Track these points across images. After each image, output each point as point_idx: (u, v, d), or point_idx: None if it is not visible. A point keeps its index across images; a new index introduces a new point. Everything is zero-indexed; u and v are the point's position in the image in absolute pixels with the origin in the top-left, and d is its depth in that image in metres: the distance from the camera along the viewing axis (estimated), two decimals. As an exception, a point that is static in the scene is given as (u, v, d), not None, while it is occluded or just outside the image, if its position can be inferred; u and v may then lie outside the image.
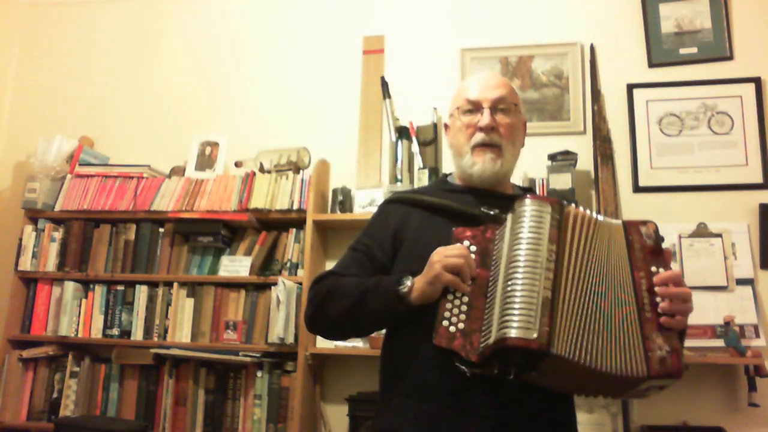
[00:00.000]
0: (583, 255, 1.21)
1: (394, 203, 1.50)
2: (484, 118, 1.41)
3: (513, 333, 1.10)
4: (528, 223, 1.20)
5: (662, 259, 1.25)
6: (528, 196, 1.25)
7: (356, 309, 1.33)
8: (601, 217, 1.27)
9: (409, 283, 1.28)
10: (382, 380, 1.40)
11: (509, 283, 1.16)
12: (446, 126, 1.54)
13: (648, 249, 1.25)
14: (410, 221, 1.42)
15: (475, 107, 1.43)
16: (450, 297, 1.24)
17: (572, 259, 1.20)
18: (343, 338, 1.52)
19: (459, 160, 1.46)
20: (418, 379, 1.29)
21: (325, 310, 1.39)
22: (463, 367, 1.19)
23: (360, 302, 1.32)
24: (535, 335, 1.09)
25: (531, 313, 1.11)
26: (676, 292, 1.20)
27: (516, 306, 1.12)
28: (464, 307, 1.22)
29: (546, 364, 1.13)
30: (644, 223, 1.28)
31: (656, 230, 1.27)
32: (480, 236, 1.28)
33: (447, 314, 1.23)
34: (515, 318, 1.11)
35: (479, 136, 1.41)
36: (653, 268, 1.23)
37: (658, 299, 1.20)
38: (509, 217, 1.25)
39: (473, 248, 1.27)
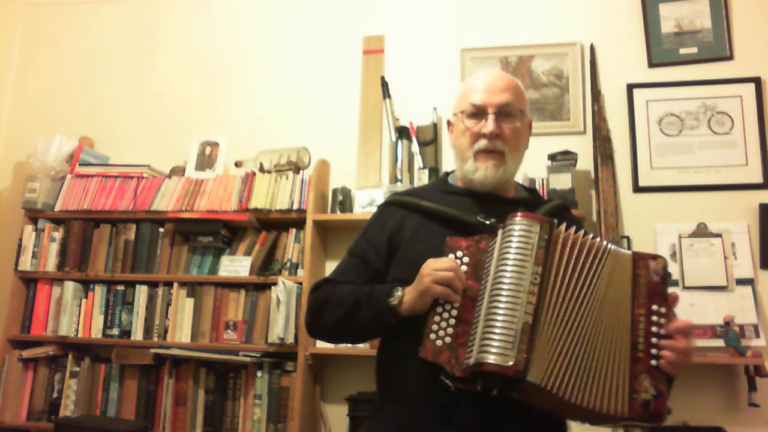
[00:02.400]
0: (573, 279, 1.18)
1: (392, 206, 1.49)
2: (489, 125, 1.38)
3: (490, 359, 1.10)
4: (516, 243, 1.18)
5: (665, 299, 1.22)
6: (519, 213, 1.22)
7: (350, 318, 1.34)
8: (611, 246, 1.23)
9: (399, 293, 1.27)
10: (376, 387, 1.41)
11: (492, 304, 1.15)
12: (449, 123, 1.51)
13: (653, 286, 1.22)
14: (406, 226, 1.41)
15: (480, 111, 1.40)
16: (439, 309, 1.23)
17: (560, 283, 1.18)
18: (342, 343, 1.53)
19: (461, 164, 1.44)
20: (406, 389, 1.30)
21: (322, 317, 1.40)
22: (448, 382, 1.18)
23: (353, 312, 1.33)
24: (511, 362, 1.09)
25: (509, 338, 1.11)
26: (683, 347, 1.18)
27: (495, 330, 1.12)
28: (452, 321, 1.21)
29: (525, 387, 1.13)
30: (654, 257, 1.24)
31: (665, 266, 1.24)
32: (474, 247, 1.26)
33: (435, 327, 1.22)
34: (494, 343, 1.11)
35: (482, 143, 1.39)
36: (654, 307, 1.21)
37: (653, 340, 1.18)
38: (500, 232, 1.23)
39: (466, 259, 1.25)
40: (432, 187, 1.57)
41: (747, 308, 2.46)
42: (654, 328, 1.19)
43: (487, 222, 1.29)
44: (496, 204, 1.39)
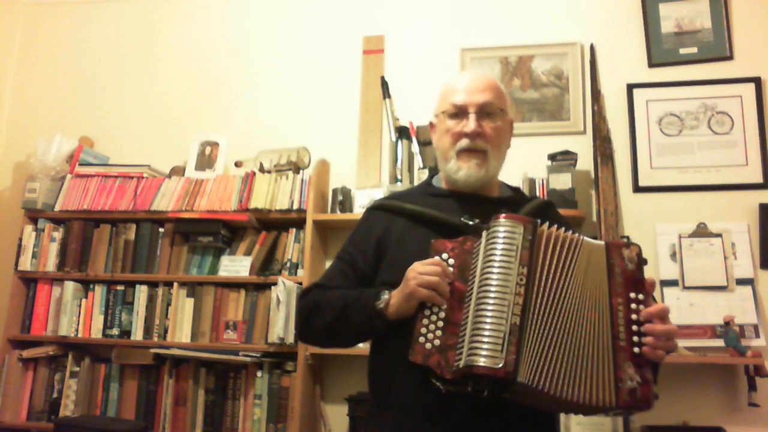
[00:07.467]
0: (556, 277, 1.19)
1: (378, 210, 1.50)
2: (470, 124, 1.39)
3: (480, 361, 1.10)
4: (500, 245, 1.18)
5: (642, 286, 1.22)
6: (502, 215, 1.22)
7: (338, 323, 1.35)
8: (583, 237, 1.24)
9: (386, 297, 1.28)
10: (369, 392, 1.43)
11: (479, 307, 1.15)
12: (431, 125, 1.52)
13: (629, 274, 1.22)
14: (393, 230, 1.42)
15: (461, 112, 1.41)
16: (426, 312, 1.23)
17: (544, 281, 1.18)
18: (333, 347, 1.54)
19: (444, 164, 1.45)
20: (398, 392, 1.31)
21: (311, 323, 1.41)
22: (438, 384, 1.19)
23: (341, 316, 1.34)
24: (500, 364, 1.09)
25: (498, 340, 1.11)
26: (662, 330, 1.18)
27: (484, 333, 1.12)
28: (440, 323, 1.21)
29: (516, 388, 1.13)
30: (628, 245, 1.25)
31: (639, 254, 1.25)
32: (459, 248, 1.26)
33: (423, 330, 1.22)
34: (483, 346, 1.11)
35: (464, 142, 1.40)
36: (632, 295, 1.21)
37: (634, 327, 1.19)
38: (484, 233, 1.23)
39: (451, 261, 1.25)
40: (417, 191, 1.58)
41: (747, 308, 2.46)
42: (633, 316, 1.20)
43: (471, 223, 1.29)
44: (480, 204, 1.39)
